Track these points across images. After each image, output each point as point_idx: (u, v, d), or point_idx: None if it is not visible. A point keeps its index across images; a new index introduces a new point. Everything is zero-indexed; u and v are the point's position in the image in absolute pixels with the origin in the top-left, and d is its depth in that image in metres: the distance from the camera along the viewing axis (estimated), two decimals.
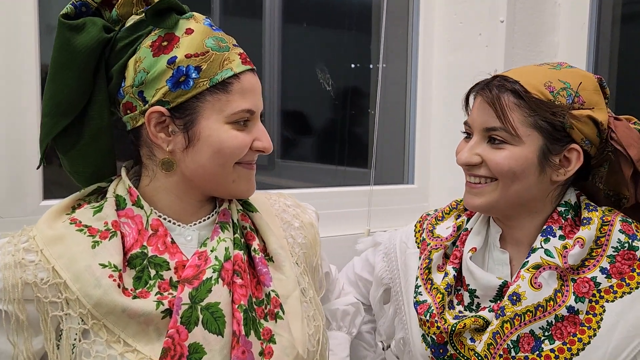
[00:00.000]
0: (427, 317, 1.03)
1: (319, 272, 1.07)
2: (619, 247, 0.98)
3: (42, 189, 1.31)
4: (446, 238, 1.11)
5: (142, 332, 0.81)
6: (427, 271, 1.10)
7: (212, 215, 0.94)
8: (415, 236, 1.19)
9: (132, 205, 0.89)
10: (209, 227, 0.92)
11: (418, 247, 1.17)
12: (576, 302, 0.96)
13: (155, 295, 0.83)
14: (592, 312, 0.95)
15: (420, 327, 1.07)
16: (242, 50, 0.90)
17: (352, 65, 2.18)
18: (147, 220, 0.88)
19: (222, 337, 0.81)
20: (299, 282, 0.96)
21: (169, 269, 0.85)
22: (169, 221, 0.91)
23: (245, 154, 0.88)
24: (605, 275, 0.97)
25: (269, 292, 0.89)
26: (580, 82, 0.99)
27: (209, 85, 0.85)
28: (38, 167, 0.97)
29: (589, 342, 0.94)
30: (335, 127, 2.17)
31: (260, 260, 0.91)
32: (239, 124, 0.87)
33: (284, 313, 0.89)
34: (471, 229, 1.10)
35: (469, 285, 1.05)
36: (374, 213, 1.87)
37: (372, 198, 1.88)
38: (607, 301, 0.95)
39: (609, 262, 0.97)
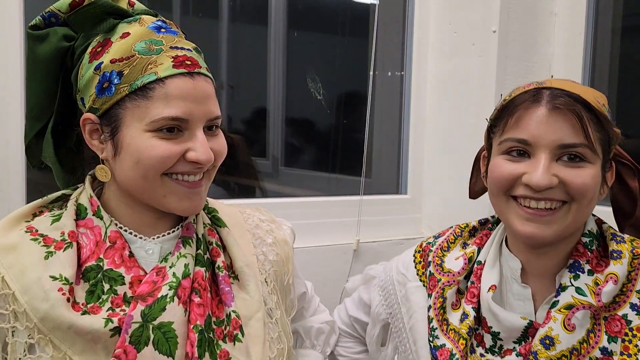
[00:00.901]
0: None
1: (290, 291, 1.03)
2: None
3: (25, 190, 1.32)
4: (458, 272, 1.03)
5: (90, 350, 0.77)
6: (441, 311, 1.02)
7: (178, 229, 0.90)
8: (416, 267, 1.11)
9: (93, 215, 0.86)
10: (172, 241, 0.88)
11: (421, 281, 1.09)
12: (609, 343, 0.90)
13: (107, 311, 0.79)
14: (626, 353, 0.90)
15: None
16: (183, 54, 0.83)
17: (351, 73, 2.18)
18: (106, 231, 0.84)
19: (173, 358, 0.78)
20: (266, 302, 0.93)
21: (124, 283, 0.82)
22: (130, 233, 0.87)
23: (177, 165, 0.82)
24: (635, 312, 0.91)
25: (230, 313, 0.86)
26: (605, 100, 0.95)
27: (129, 91, 0.80)
28: (33, 168, 0.95)
29: None
30: (337, 135, 2.16)
31: (223, 278, 0.88)
32: (163, 132, 0.81)
33: (243, 335, 0.85)
34: (484, 261, 1.01)
35: (491, 327, 0.96)
36: (365, 223, 1.86)
37: (364, 208, 1.86)
38: None
39: (638, 298, 0.92)
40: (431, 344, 1.01)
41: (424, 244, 1.13)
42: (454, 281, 1.02)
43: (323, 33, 2.22)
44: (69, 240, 0.82)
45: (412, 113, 1.97)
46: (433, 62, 1.93)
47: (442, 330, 1.00)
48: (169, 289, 0.81)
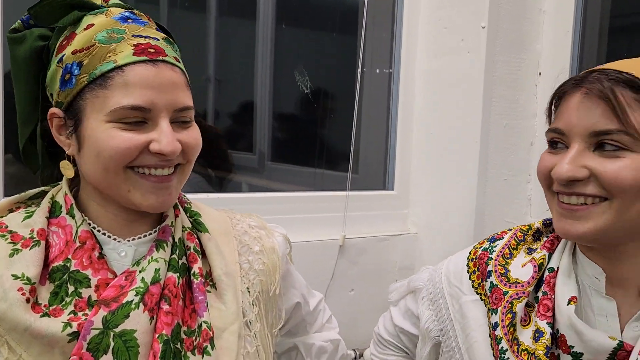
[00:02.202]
0: None
1: (277, 302, 0.98)
2: None
3: (3, 185, 1.30)
4: (528, 282, 0.91)
5: (47, 354, 0.74)
6: (511, 329, 0.89)
7: (155, 231, 0.86)
8: (470, 278, 1.00)
9: (66, 213, 0.82)
10: (147, 245, 0.85)
11: (478, 293, 0.97)
12: None
13: (69, 314, 0.76)
14: None
15: None
16: (146, 42, 0.80)
17: (339, 69, 2.15)
18: (77, 231, 0.81)
19: None
20: (245, 313, 0.89)
21: (89, 286, 0.78)
22: (103, 233, 0.84)
23: (141, 157, 0.78)
24: None
25: (201, 323, 0.81)
26: None
27: (87, 81, 0.77)
28: (34, 173, 0.91)
29: None
30: (324, 131, 2.15)
31: (198, 285, 0.84)
32: (124, 123, 0.77)
33: (212, 349, 0.81)
34: (557, 268, 0.90)
35: (572, 347, 0.83)
36: (351, 219, 1.84)
37: (351, 204, 1.85)
38: None
39: None
40: None
41: (479, 252, 1.00)
42: (523, 293, 0.90)
43: (312, 29, 2.19)
44: (37, 239, 0.79)
45: (400, 110, 1.95)
46: (422, 58, 1.92)
47: (513, 352, 0.87)
48: (135, 295, 0.77)
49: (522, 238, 0.98)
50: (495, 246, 0.99)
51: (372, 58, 2.01)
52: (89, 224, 0.83)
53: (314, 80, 2.00)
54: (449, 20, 1.83)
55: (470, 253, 1.02)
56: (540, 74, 1.82)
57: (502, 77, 1.73)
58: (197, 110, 2.02)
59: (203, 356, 0.79)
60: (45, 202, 0.83)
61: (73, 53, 0.79)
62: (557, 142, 0.85)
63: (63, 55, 0.80)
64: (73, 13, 0.81)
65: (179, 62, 0.83)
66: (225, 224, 0.96)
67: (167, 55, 0.81)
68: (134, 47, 0.78)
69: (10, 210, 0.85)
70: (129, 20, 0.82)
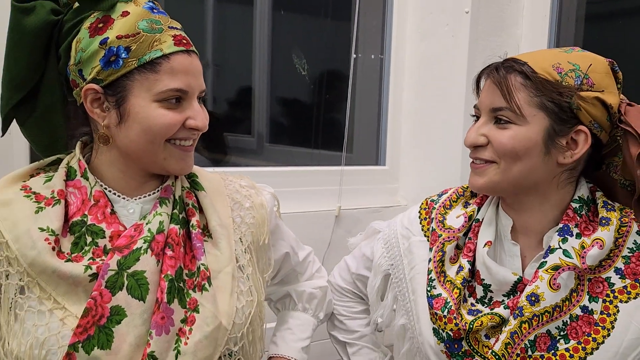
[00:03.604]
0: (445, 313, 1.03)
1: (267, 251, 1.11)
2: (635, 249, 0.98)
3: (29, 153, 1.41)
4: (458, 229, 1.10)
5: (72, 292, 0.87)
6: (440, 264, 1.08)
7: (157, 191, 0.99)
8: (421, 224, 1.18)
9: (81, 176, 0.94)
10: (152, 202, 0.97)
11: (425, 236, 1.16)
12: (590, 302, 0.96)
13: (88, 260, 0.88)
14: (606, 312, 0.96)
15: (432, 321, 1.06)
16: (179, 33, 0.93)
17: (334, 54, 2.22)
18: (91, 191, 0.93)
19: (144, 302, 0.87)
20: (238, 259, 1.02)
21: (104, 237, 0.91)
22: (114, 194, 0.96)
23: (178, 131, 0.92)
24: (619, 276, 0.97)
25: (199, 266, 0.94)
26: (590, 64, 0.97)
27: (137, 64, 0.89)
28: (2, 135, 1.00)
29: (602, 342, 0.94)
30: (319, 113, 2.22)
31: (196, 235, 0.96)
32: (169, 103, 0.90)
33: (210, 285, 0.94)
34: (482, 219, 1.08)
35: (483, 279, 1.03)
36: (347, 192, 1.96)
37: (345, 178, 1.97)
38: (621, 301, 0.96)
39: (623, 263, 0.98)
40: (428, 293, 1.08)
41: (429, 202, 1.20)
42: (453, 237, 1.09)
43: (308, 14, 2.24)
44: (57, 198, 0.91)
45: (391, 92, 2.05)
46: (411, 43, 2.00)
47: (440, 282, 1.07)
48: (144, 242, 0.90)
49: (461, 193, 1.17)
50: (440, 199, 1.19)
51: (365, 44, 2.09)
52: (101, 185, 0.95)
53: (309, 65, 2.07)
54: (436, 6, 1.92)
55: (423, 203, 1.22)
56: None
57: (484, 60, 1.85)
58: None
59: (202, 292, 0.93)
60: (62, 168, 0.95)
61: (118, 38, 0.89)
62: (477, 116, 1.06)
63: (106, 38, 0.89)
64: (109, 0, 0.91)
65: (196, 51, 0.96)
66: (218, 183, 1.08)
67: (192, 45, 0.94)
68: (173, 38, 0.91)
69: (32, 176, 0.97)
70: (155, 11, 0.93)
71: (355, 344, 1.31)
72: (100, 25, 0.91)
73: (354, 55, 1.96)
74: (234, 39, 2.18)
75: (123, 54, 0.89)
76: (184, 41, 0.93)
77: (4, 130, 0.99)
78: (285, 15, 2.20)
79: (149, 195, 0.98)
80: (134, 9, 0.92)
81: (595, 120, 0.98)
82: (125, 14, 0.91)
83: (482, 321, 0.99)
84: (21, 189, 0.93)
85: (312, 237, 1.37)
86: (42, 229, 0.88)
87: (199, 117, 0.94)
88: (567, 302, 0.97)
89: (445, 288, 1.06)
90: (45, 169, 0.99)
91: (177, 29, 0.94)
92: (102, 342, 0.85)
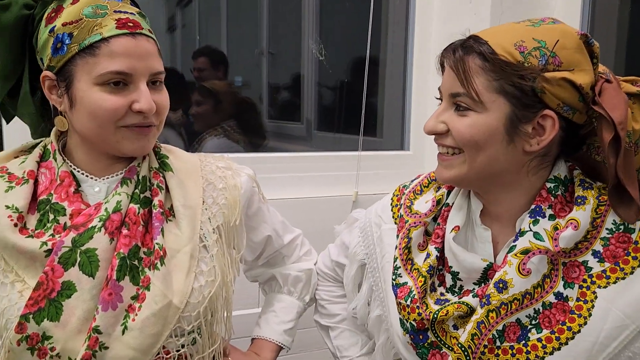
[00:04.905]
0: (408, 302, 0.98)
1: (240, 233, 1.12)
2: (614, 229, 0.90)
3: None
4: (425, 214, 1.05)
5: (31, 267, 0.92)
6: (406, 251, 1.04)
7: (124, 171, 1.02)
8: (392, 210, 1.14)
9: (52, 157, 0.99)
10: (117, 182, 1.00)
11: (395, 223, 1.11)
12: (565, 288, 0.90)
13: (48, 236, 0.93)
14: (582, 299, 0.89)
15: (397, 311, 1.02)
16: (126, 16, 0.94)
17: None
18: (57, 171, 0.98)
19: (94, 278, 0.91)
20: (203, 238, 1.03)
21: (65, 215, 0.95)
22: (82, 173, 1.00)
23: (127, 117, 0.94)
24: (597, 259, 0.90)
25: (154, 245, 0.97)
26: (558, 40, 0.87)
27: (78, 49, 0.92)
28: (7, 123, 1.09)
29: (579, 331, 0.88)
30: (359, 98, 2.25)
31: (155, 215, 0.99)
32: (110, 86, 0.92)
33: (162, 265, 0.96)
34: (452, 203, 1.02)
35: (451, 267, 0.98)
36: (368, 177, 1.94)
37: (365, 163, 1.95)
38: (599, 287, 0.88)
39: (602, 245, 0.90)
40: (394, 281, 1.04)
41: (401, 187, 1.15)
42: (420, 222, 1.04)
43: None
44: (26, 178, 0.97)
45: (415, 75, 2.01)
46: (436, 21, 1.96)
47: (406, 270, 1.03)
48: (99, 221, 0.94)
49: (433, 178, 1.10)
50: (411, 184, 1.13)
51: (390, 22, 2.06)
52: (70, 166, 1.00)
53: (351, 48, 2.08)
54: None
55: (396, 189, 1.17)
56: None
57: None
58: (252, 83, 2.18)
59: (154, 271, 0.95)
60: (37, 149, 1.01)
61: (63, 25, 0.93)
62: (440, 99, 0.97)
63: (54, 27, 0.94)
64: None
65: (152, 33, 0.98)
66: (193, 164, 1.10)
67: (142, 28, 0.96)
68: (116, 22, 0.93)
69: (16, 157, 1.03)
70: None
71: (337, 327, 1.30)
72: (52, 14, 0.96)
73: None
74: (286, 27, 2.24)
75: (67, 41, 0.93)
76: (130, 24, 0.94)
77: (7, 119, 1.08)
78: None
79: (116, 175, 1.01)
80: None
81: (565, 103, 0.88)
82: (74, 1, 0.95)
83: (447, 310, 0.94)
84: None
85: (329, 223, 1.36)
86: (7, 207, 0.94)
87: (143, 99, 0.94)
88: (539, 289, 0.90)
89: (411, 276, 1.01)
90: (29, 150, 1.05)
91: (126, 12, 0.95)
92: (52, 314, 0.90)
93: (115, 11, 0.95)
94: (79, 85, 0.94)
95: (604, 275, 0.89)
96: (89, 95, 0.93)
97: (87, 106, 0.93)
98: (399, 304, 1.01)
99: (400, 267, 1.04)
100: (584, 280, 0.90)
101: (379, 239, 1.13)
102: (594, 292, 0.89)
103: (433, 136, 0.97)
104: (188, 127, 2.09)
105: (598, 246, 0.90)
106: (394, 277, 1.04)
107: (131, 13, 0.96)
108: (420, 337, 0.98)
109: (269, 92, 2.21)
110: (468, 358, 0.92)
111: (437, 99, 0.98)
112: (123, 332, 0.92)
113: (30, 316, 0.90)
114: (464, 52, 0.90)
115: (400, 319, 1.01)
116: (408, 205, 1.09)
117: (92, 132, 0.96)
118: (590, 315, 0.88)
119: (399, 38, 2.09)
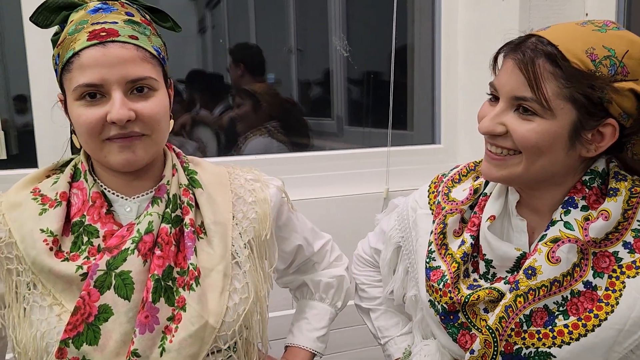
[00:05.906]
0: (440, 286, 1.01)
1: (271, 246, 1.11)
2: None
3: None
4: (462, 202, 1.06)
5: (68, 290, 0.93)
6: (441, 236, 1.06)
7: (153, 190, 1.01)
8: (428, 197, 1.16)
9: (83, 178, 0.99)
10: (148, 201, 0.99)
11: (430, 209, 1.13)
12: (594, 278, 0.91)
13: (83, 259, 0.94)
14: (611, 289, 0.90)
15: (428, 293, 1.04)
16: (100, 27, 0.91)
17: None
18: (89, 192, 0.98)
19: (129, 301, 0.91)
20: (235, 255, 1.03)
21: (99, 237, 0.95)
22: (113, 193, 1.00)
23: (106, 130, 0.91)
24: (628, 250, 0.91)
25: (189, 265, 0.96)
26: (627, 50, 0.87)
27: (60, 68, 0.92)
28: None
29: (605, 319, 0.89)
30: (387, 92, 2.23)
31: (188, 234, 0.98)
32: (85, 100, 0.91)
33: (197, 285, 0.95)
34: (490, 193, 1.03)
35: (485, 255, 1.00)
36: (398, 173, 1.93)
37: (396, 158, 1.93)
38: (629, 277, 0.89)
39: (633, 237, 0.91)
40: (427, 264, 1.06)
41: (440, 176, 1.17)
42: (456, 209, 1.05)
43: None
44: (59, 200, 0.97)
45: (444, 64, 1.98)
46: (462, 10, 1.93)
47: (440, 254, 1.05)
48: (132, 243, 0.93)
49: (472, 168, 1.12)
50: (451, 172, 1.15)
51: (415, 12, 2.03)
52: (101, 186, 0.99)
53: (381, 42, 2.06)
54: None
55: (435, 178, 1.18)
56: (587, 14, 1.74)
57: (538, 24, 1.70)
58: (283, 80, 2.19)
59: (189, 292, 0.95)
60: (69, 169, 1.01)
61: (57, 47, 0.95)
62: (492, 96, 0.96)
63: (53, 52, 0.96)
64: (62, 14, 0.96)
65: (134, 39, 0.93)
66: (222, 178, 1.09)
67: (119, 35, 0.91)
68: (88, 34, 0.90)
69: (47, 176, 1.03)
70: (100, 11, 0.94)
71: (377, 309, 1.32)
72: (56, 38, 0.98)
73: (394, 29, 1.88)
74: (313, 24, 2.24)
75: (57, 61, 0.95)
76: (103, 33, 0.90)
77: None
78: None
79: (146, 194, 1.01)
80: (77, 16, 0.95)
81: (625, 112, 0.89)
82: (70, 24, 0.95)
83: (478, 295, 0.97)
84: (31, 192, 0.99)
85: (361, 220, 1.36)
86: (42, 230, 0.94)
87: (114, 109, 0.89)
88: (568, 277, 0.91)
89: (445, 261, 1.04)
90: (61, 169, 1.05)
91: (106, 22, 0.92)
92: (90, 338, 0.91)
93: (92, 23, 0.92)
94: (69, 103, 0.94)
95: (634, 266, 0.90)
96: (72, 111, 0.93)
97: (74, 123, 0.94)
98: (431, 286, 1.03)
99: (434, 251, 1.06)
100: (614, 271, 0.91)
101: (414, 222, 1.16)
102: (623, 282, 0.90)
103: (480, 134, 0.97)
104: (228, 127, 2.10)
105: (629, 237, 0.91)
106: (427, 260, 1.07)
107: (112, 22, 0.93)
108: (451, 317, 1.00)
109: (299, 89, 2.21)
110: (495, 340, 0.94)
111: (490, 94, 0.96)
112: (161, 354, 0.92)
113: (70, 341, 0.91)
114: (534, 53, 0.88)
115: (431, 301, 1.04)
116: (446, 192, 1.11)
117: (87, 149, 0.96)
118: (617, 303, 0.89)
119: (426, 28, 2.06)
